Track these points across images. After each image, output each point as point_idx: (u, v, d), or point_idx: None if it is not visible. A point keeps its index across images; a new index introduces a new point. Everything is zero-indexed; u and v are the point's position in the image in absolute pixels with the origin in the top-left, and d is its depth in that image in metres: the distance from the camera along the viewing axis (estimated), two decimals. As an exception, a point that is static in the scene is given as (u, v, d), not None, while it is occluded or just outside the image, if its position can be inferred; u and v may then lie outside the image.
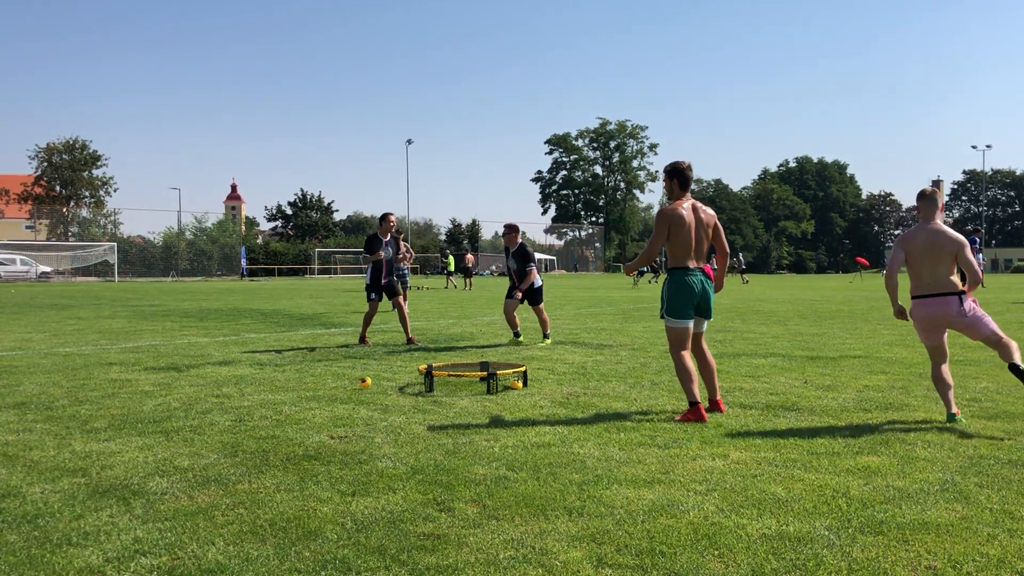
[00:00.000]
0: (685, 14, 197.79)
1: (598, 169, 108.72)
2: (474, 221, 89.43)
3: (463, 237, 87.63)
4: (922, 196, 5.82)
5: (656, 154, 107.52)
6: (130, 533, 3.47)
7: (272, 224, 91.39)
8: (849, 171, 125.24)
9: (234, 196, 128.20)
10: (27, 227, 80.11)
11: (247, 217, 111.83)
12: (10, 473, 4.45)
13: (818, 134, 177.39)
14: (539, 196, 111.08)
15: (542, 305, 11.59)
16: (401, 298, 11.38)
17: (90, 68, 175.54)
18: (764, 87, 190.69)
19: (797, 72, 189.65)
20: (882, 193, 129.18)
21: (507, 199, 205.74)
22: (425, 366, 7.24)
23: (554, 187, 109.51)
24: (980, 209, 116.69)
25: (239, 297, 27.18)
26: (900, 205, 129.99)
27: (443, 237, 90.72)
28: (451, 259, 39.93)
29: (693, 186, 6.04)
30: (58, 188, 73.04)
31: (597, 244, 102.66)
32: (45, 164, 72.07)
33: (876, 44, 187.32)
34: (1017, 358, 5.42)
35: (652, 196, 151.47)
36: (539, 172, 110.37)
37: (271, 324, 14.95)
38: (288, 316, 17.16)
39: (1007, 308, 18.78)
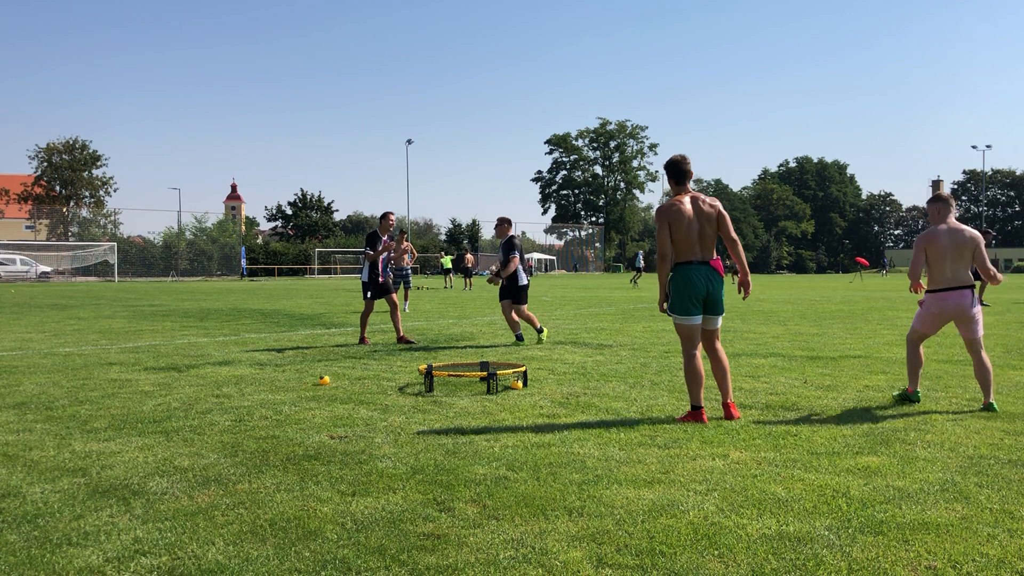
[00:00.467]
0: (685, 14, 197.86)
1: (598, 169, 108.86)
2: (474, 221, 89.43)
3: (463, 237, 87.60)
4: (940, 199, 6.27)
5: (656, 154, 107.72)
6: (130, 533, 3.48)
7: (272, 224, 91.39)
8: (849, 171, 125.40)
9: (234, 196, 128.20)
10: (27, 227, 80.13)
11: (247, 217, 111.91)
12: (10, 473, 4.45)
13: (818, 134, 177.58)
14: (539, 196, 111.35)
15: (525, 306, 11.21)
16: (395, 296, 11.42)
17: (90, 68, 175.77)
18: (764, 87, 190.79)
19: (797, 72, 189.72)
20: (882, 193, 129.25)
21: (507, 199, 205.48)
22: (425, 366, 7.24)
23: (554, 187, 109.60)
24: (980, 209, 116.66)
25: (239, 297, 27.18)
26: (900, 205, 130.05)
27: (443, 237, 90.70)
28: (446, 258, 39.62)
29: (692, 185, 5.95)
30: (58, 188, 73.04)
31: (597, 244, 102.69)
32: (45, 164, 72.07)
33: (876, 44, 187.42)
34: (991, 397, 6.16)
35: (652, 196, 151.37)
36: (539, 172, 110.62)
37: (271, 324, 14.96)
38: (288, 316, 17.16)
39: (1007, 308, 18.77)
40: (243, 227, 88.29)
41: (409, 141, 76.38)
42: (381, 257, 11.18)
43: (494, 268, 11.02)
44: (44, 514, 3.74)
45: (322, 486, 4.15)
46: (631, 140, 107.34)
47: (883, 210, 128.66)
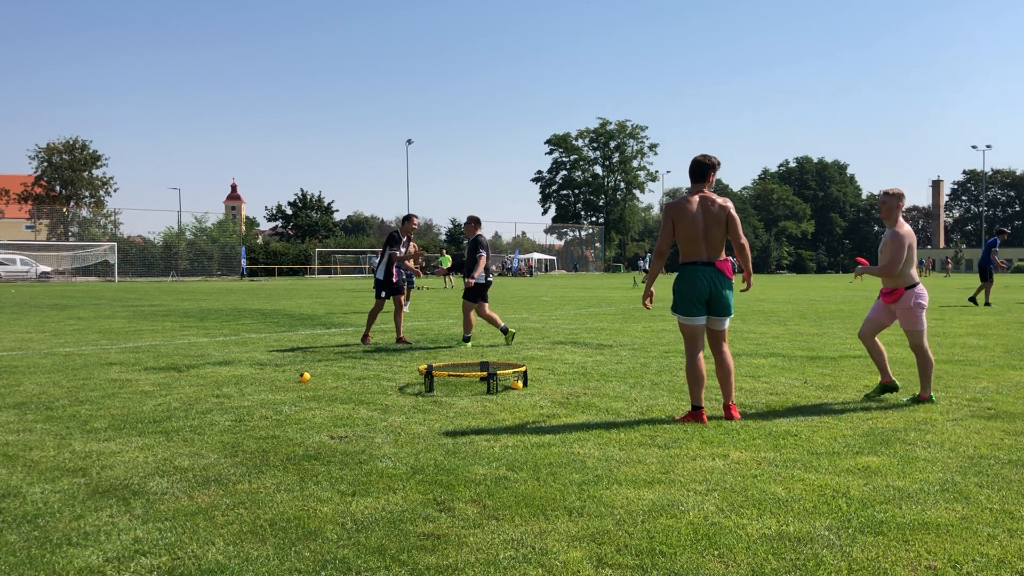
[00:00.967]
0: (685, 14, 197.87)
1: (598, 169, 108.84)
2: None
3: (463, 237, 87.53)
4: (903, 197, 6.43)
5: (656, 154, 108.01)
6: (130, 533, 3.47)
7: (272, 224, 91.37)
8: (849, 171, 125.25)
9: (234, 196, 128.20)
10: (27, 227, 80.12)
11: (247, 217, 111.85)
12: (10, 473, 4.45)
13: (818, 134, 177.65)
14: (539, 196, 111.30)
15: (486, 306, 10.99)
16: (403, 297, 11.47)
17: (90, 68, 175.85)
18: (764, 87, 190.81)
19: (797, 72, 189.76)
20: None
21: (507, 199, 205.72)
22: (425, 366, 7.24)
23: (554, 187, 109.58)
24: (980, 209, 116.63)
25: (239, 297, 27.18)
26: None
27: (443, 237, 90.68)
28: (445, 257, 39.37)
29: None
30: (58, 188, 73.05)
31: (597, 244, 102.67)
32: (45, 164, 72.08)
33: (876, 44, 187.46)
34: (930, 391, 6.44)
35: (652, 196, 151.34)
36: (539, 172, 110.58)
37: (271, 324, 14.95)
38: (288, 316, 17.16)
39: (1008, 308, 18.77)
40: (243, 227, 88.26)
41: (409, 141, 76.51)
42: (399, 257, 11.22)
43: (476, 272, 10.86)
44: (44, 514, 3.74)
45: (322, 486, 4.15)
46: (631, 140, 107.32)
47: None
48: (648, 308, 5.99)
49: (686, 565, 3.10)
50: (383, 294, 11.30)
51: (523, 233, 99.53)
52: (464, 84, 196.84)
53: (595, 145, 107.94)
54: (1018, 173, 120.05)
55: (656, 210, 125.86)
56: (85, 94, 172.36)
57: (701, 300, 5.69)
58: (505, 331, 11.03)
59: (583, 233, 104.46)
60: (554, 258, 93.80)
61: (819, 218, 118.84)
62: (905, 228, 6.32)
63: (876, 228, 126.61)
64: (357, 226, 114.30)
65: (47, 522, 3.63)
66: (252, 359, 9.42)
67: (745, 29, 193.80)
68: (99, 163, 74.12)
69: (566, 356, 9.57)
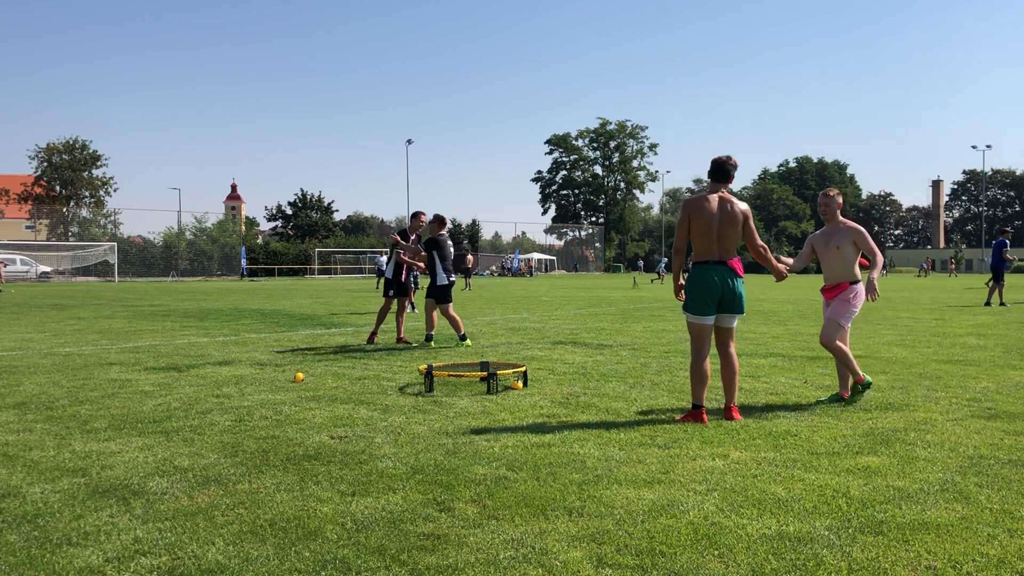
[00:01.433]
0: (685, 14, 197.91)
1: (598, 169, 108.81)
2: (474, 221, 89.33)
3: (463, 237, 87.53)
4: (840, 195, 6.56)
5: (656, 154, 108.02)
6: (130, 533, 3.47)
7: (272, 224, 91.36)
8: (849, 171, 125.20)
9: (234, 196, 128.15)
10: (27, 227, 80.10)
11: (247, 217, 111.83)
12: (10, 473, 4.45)
13: (818, 134, 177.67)
14: (539, 196, 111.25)
15: (449, 306, 10.93)
16: (407, 300, 11.51)
17: (90, 68, 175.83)
18: (764, 87, 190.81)
19: (797, 72, 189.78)
20: (882, 193, 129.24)
21: (507, 199, 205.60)
22: (425, 366, 7.24)
23: (554, 187, 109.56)
24: (980, 209, 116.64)
25: (239, 297, 27.18)
26: (900, 205, 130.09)
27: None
28: None
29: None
30: (58, 188, 73.04)
31: (597, 244, 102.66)
32: (45, 164, 72.07)
33: (877, 44, 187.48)
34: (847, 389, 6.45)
35: (652, 196, 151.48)
36: (539, 172, 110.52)
37: (271, 324, 14.96)
38: (288, 316, 17.16)
39: (1008, 308, 18.78)
40: (243, 227, 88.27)
41: (409, 141, 76.44)
42: (406, 257, 11.22)
43: (470, 258, 10.80)
44: (44, 514, 3.74)
45: (322, 486, 4.15)
46: (631, 140, 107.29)
47: (883, 210, 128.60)
48: (682, 300, 5.99)
49: (686, 565, 3.10)
50: (391, 292, 11.29)
51: (523, 233, 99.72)
52: (464, 84, 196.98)
53: (595, 145, 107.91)
54: (1018, 173, 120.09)
55: (656, 210, 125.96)
56: (85, 94, 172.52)
57: (714, 299, 5.71)
58: (463, 338, 10.91)
59: (583, 233, 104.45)
60: (554, 258, 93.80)
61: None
62: (850, 221, 6.49)
63: (876, 228, 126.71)
64: (357, 226, 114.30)
65: (47, 522, 3.63)
66: (252, 359, 9.42)
67: (745, 29, 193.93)
68: (99, 163, 74.11)
69: (566, 356, 9.57)
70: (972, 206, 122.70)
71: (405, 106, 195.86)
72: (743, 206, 5.80)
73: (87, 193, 74.14)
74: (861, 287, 6.37)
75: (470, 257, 39.41)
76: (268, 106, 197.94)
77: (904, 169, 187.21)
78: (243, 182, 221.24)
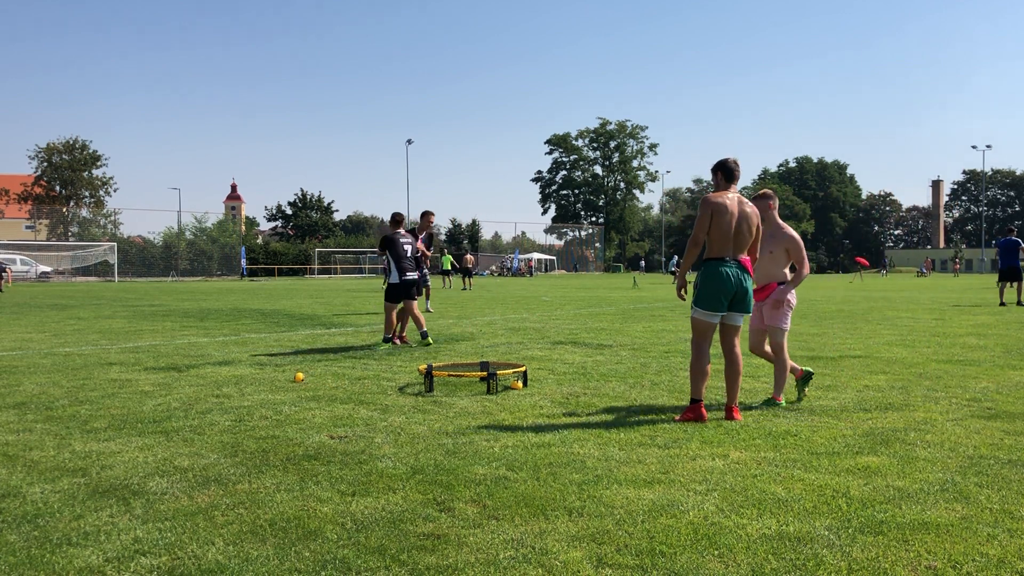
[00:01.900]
0: (685, 14, 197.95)
1: (598, 169, 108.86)
2: (474, 221, 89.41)
3: (463, 237, 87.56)
4: (775, 197, 6.54)
5: (656, 154, 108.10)
6: (130, 533, 3.47)
7: (272, 224, 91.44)
8: (849, 171, 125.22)
9: (234, 196, 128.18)
10: (27, 227, 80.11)
11: (247, 217, 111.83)
12: (10, 473, 4.45)
13: (818, 134, 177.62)
14: (539, 196, 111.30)
15: (413, 303, 10.91)
16: (415, 300, 11.48)
17: (90, 68, 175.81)
18: (764, 87, 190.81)
19: (797, 72, 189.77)
20: (882, 193, 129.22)
21: (507, 199, 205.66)
22: (425, 366, 7.24)
23: (554, 187, 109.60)
24: (980, 209, 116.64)
25: (239, 297, 27.18)
26: (900, 205, 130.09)
27: (443, 237, 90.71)
28: (447, 257, 39.03)
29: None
30: (58, 188, 73.06)
31: (597, 244, 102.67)
32: (45, 164, 72.10)
33: (876, 44, 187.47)
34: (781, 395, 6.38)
35: (652, 196, 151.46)
36: (539, 172, 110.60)
37: (271, 324, 14.95)
38: (288, 316, 17.16)
39: (1008, 308, 18.77)
40: (243, 227, 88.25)
41: (409, 141, 76.45)
42: (415, 256, 11.20)
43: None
44: (44, 514, 3.74)
45: (322, 486, 4.15)
46: (631, 140, 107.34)
47: (883, 210, 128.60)
48: (683, 299, 5.96)
49: (686, 565, 3.10)
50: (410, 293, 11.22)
51: (523, 233, 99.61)
52: (464, 84, 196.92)
53: (595, 145, 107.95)
54: (1018, 173, 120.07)
55: (656, 210, 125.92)
56: (85, 94, 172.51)
57: (728, 296, 5.71)
58: (424, 335, 10.88)
59: (583, 233, 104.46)
60: (554, 258, 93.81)
61: (819, 218, 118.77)
62: (789, 228, 6.44)
63: (876, 228, 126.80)
64: (357, 226, 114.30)
65: (47, 522, 3.63)
66: (252, 359, 9.42)
67: (745, 29, 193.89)
68: (99, 163, 74.17)
69: (566, 356, 9.57)
70: (972, 206, 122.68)
71: (405, 106, 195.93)
72: (754, 207, 5.89)
73: (87, 193, 74.18)
74: (791, 287, 6.35)
75: (470, 257, 39.37)
76: (268, 106, 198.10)
77: (904, 169, 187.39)
78: (243, 182, 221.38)
